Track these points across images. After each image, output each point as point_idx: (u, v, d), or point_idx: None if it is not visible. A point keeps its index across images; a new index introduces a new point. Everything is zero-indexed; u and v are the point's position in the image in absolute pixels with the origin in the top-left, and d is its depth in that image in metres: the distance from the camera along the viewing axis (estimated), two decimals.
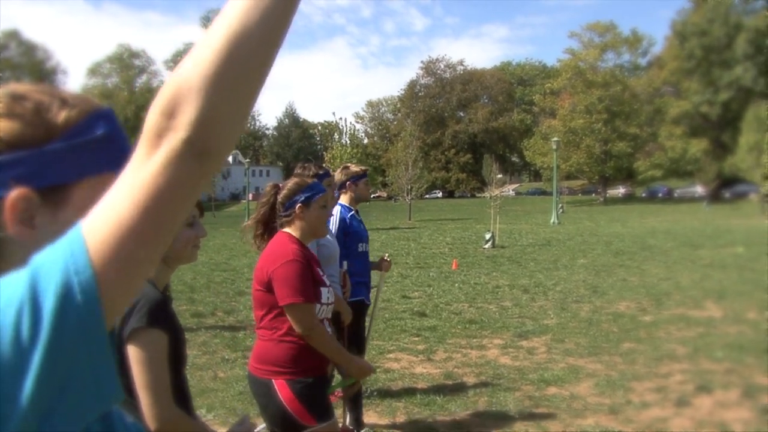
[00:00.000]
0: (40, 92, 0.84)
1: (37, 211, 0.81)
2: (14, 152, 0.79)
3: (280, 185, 3.54)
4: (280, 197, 3.48)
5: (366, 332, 5.86)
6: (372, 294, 5.94)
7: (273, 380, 3.29)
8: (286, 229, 3.47)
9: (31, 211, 0.80)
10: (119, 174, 0.80)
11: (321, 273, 3.50)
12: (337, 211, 5.55)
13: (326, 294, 3.44)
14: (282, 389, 3.27)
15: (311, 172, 5.00)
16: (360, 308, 5.64)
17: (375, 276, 6.06)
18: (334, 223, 5.43)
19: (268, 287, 3.28)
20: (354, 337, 5.51)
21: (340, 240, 5.39)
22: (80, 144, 0.83)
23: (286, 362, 3.30)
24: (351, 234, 5.53)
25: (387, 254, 6.15)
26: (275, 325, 3.32)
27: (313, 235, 3.59)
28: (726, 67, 66.67)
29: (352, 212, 5.66)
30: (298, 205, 3.44)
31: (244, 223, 3.55)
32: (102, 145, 0.85)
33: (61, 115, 0.83)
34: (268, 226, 3.53)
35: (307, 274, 3.30)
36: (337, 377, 3.77)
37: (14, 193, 0.79)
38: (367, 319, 5.99)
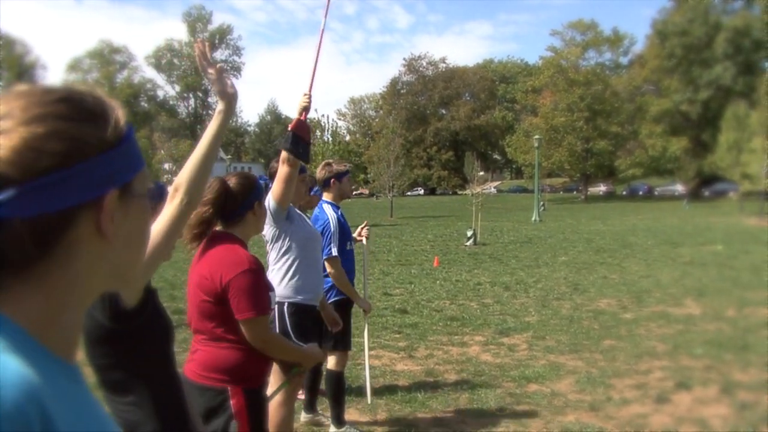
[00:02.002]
0: (100, 95, 0.91)
1: (115, 209, 0.87)
2: (102, 155, 0.85)
3: (226, 180, 3.27)
4: (234, 193, 3.20)
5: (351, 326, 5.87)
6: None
7: (229, 388, 3.08)
8: (232, 230, 3.25)
9: (113, 209, 0.86)
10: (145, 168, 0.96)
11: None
12: (329, 209, 5.54)
13: (274, 299, 3.35)
14: (236, 396, 3.08)
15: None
16: (347, 306, 5.64)
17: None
18: (333, 223, 5.43)
19: (220, 298, 3.05)
20: (340, 334, 5.50)
21: (337, 241, 5.43)
22: (132, 142, 0.91)
23: (243, 370, 3.11)
24: (343, 234, 5.53)
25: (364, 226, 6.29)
26: (230, 337, 3.10)
27: (257, 232, 3.46)
28: (706, 66, 67.20)
29: (340, 210, 5.66)
30: (256, 203, 3.26)
31: (189, 222, 3.29)
32: (135, 144, 0.93)
33: (121, 116, 0.90)
34: (210, 226, 3.21)
35: (263, 283, 3.14)
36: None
37: (110, 195, 0.85)
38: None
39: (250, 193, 3.23)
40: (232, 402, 3.06)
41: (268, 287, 3.28)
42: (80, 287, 0.87)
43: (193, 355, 3.21)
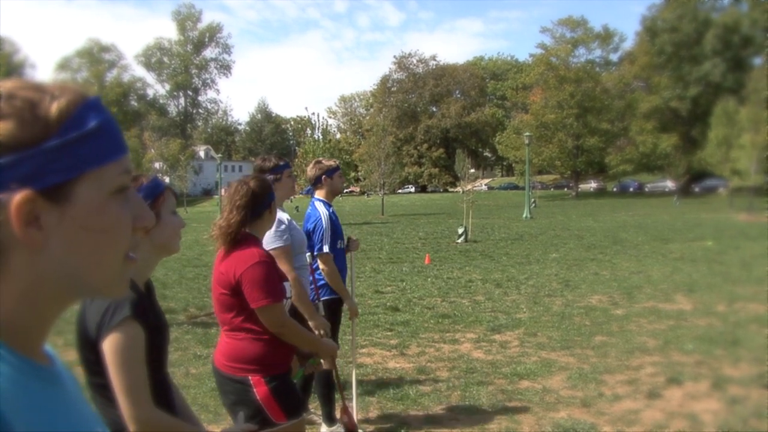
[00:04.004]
0: (27, 88, 0.82)
1: (41, 211, 0.80)
2: (11, 154, 0.78)
3: (248, 182, 3.49)
4: (258, 194, 3.42)
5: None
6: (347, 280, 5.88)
7: (250, 377, 3.31)
8: (251, 229, 3.45)
9: (36, 212, 0.79)
10: (120, 162, 0.87)
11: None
12: (321, 206, 5.51)
13: (289, 288, 3.51)
14: (258, 386, 3.30)
15: (271, 164, 4.99)
16: (338, 306, 5.59)
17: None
18: (325, 220, 5.39)
19: (235, 290, 3.26)
20: (335, 331, 5.50)
21: (330, 238, 5.38)
22: (76, 138, 0.82)
23: (262, 359, 3.32)
24: (335, 231, 5.48)
25: (354, 235, 6.10)
26: (247, 326, 3.32)
27: (269, 228, 3.67)
28: (695, 63, 67.36)
29: (332, 208, 5.63)
30: (272, 202, 3.50)
31: (220, 223, 3.42)
32: (97, 136, 0.85)
33: (53, 110, 0.81)
34: (242, 228, 3.41)
35: (275, 274, 3.32)
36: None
37: (18, 197, 0.77)
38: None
39: (269, 192, 3.49)
40: (256, 391, 3.30)
41: (282, 277, 3.45)
42: (36, 290, 0.83)
43: (219, 346, 3.48)
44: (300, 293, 4.64)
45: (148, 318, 2.23)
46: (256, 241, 3.42)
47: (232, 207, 3.37)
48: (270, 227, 3.70)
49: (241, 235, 3.40)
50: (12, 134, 0.78)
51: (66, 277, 0.85)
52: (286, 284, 3.46)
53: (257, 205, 3.41)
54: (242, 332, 3.33)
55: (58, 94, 0.83)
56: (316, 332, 4.70)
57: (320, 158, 5.97)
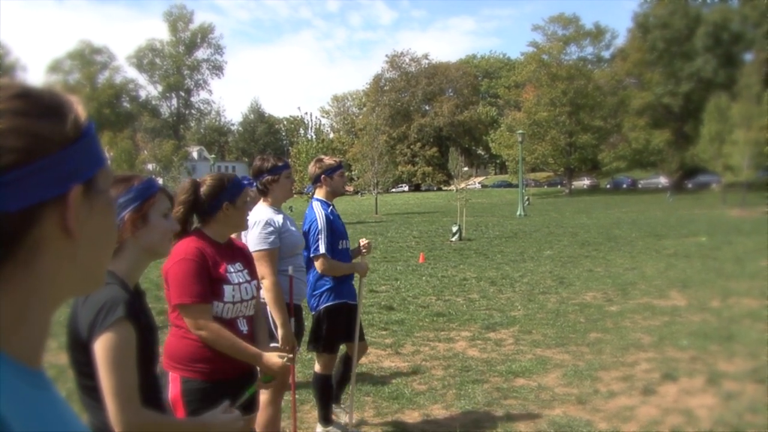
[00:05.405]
0: (58, 91, 0.87)
1: (80, 205, 0.84)
2: (63, 150, 0.82)
3: (200, 180, 3.42)
4: (202, 194, 3.34)
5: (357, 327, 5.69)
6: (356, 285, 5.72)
7: (169, 373, 3.24)
8: (206, 228, 3.39)
9: (79, 206, 0.84)
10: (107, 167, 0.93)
11: (230, 270, 3.34)
12: (317, 207, 5.38)
13: (231, 292, 3.28)
14: (173, 383, 3.22)
15: (270, 164, 4.92)
16: (340, 311, 5.44)
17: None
18: (320, 220, 5.26)
19: (168, 285, 3.24)
20: (333, 337, 5.45)
21: (327, 239, 5.24)
22: (93, 138, 0.89)
23: (182, 358, 3.23)
24: (333, 232, 5.34)
25: (364, 239, 5.86)
26: (178, 323, 3.26)
27: (235, 230, 3.58)
28: (687, 59, 67.49)
29: (331, 207, 5.48)
30: (225, 204, 3.35)
31: None
32: (96, 139, 0.90)
33: (81, 110, 0.87)
34: (186, 225, 3.34)
35: (202, 273, 3.18)
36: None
37: (74, 191, 0.83)
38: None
39: (219, 194, 3.36)
40: (170, 388, 3.20)
41: (220, 279, 3.27)
42: (45, 290, 0.84)
43: None
44: (275, 299, 4.47)
45: (140, 319, 2.22)
46: (199, 237, 3.32)
47: (176, 203, 3.24)
48: (236, 229, 3.59)
49: (190, 231, 3.37)
50: (61, 132, 0.82)
51: (80, 272, 0.89)
52: (228, 287, 3.26)
53: (204, 204, 3.34)
54: (175, 328, 3.29)
55: (74, 98, 0.89)
56: (282, 343, 4.41)
57: (322, 156, 5.78)
